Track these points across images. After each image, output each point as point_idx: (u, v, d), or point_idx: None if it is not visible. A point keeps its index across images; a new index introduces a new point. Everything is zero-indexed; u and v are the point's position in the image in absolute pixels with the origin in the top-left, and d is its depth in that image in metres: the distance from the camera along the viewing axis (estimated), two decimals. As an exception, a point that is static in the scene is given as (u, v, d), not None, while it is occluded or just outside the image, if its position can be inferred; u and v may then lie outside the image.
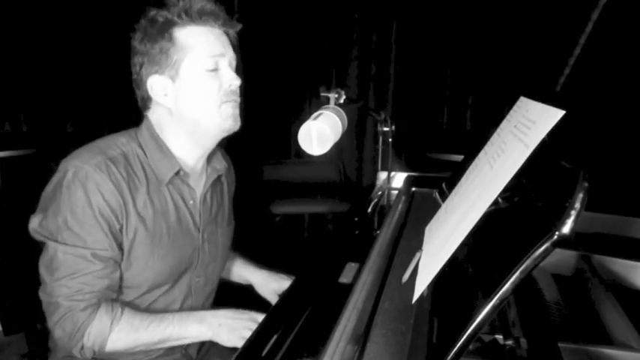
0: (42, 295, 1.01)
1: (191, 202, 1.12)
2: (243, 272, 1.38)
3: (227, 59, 1.05)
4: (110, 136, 1.07)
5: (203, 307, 1.20)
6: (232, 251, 1.40)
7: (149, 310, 1.09)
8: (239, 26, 1.08)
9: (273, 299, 1.31)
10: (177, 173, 1.07)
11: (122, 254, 1.02)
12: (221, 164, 1.19)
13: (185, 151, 1.09)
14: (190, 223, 1.12)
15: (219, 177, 1.20)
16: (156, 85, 1.03)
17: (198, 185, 1.14)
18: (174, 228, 1.08)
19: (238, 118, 1.08)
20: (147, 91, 1.04)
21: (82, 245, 0.97)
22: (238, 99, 1.07)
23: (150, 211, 1.04)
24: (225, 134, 1.09)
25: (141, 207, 1.02)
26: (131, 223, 1.01)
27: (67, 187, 0.97)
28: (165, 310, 1.11)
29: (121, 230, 1.01)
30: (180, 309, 1.14)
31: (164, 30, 1.00)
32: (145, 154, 1.06)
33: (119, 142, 1.05)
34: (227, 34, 1.07)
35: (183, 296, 1.15)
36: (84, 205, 0.96)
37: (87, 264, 0.97)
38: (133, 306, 1.07)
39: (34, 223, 1.02)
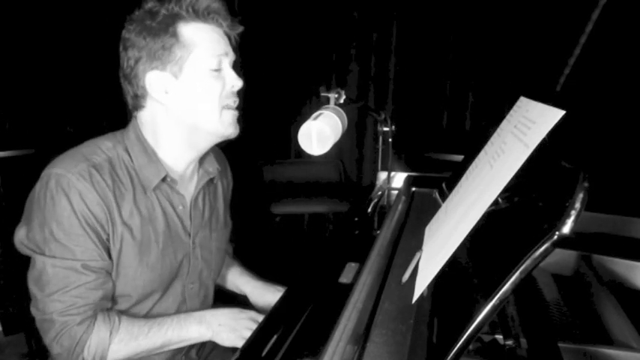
0: (34, 311, 0.97)
1: (180, 207, 1.08)
2: (239, 282, 1.34)
3: (229, 59, 1.03)
4: (95, 140, 1.02)
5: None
6: (233, 258, 1.38)
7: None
8: (241, 28, 1.05)
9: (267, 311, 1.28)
10: (163, 179, 1.03)
11: (112, 264, 0.99)
12: (213, 166, 1.15)
13: (176, 154, 1.04)
14: (180, 229, 1.08)
15: (211, 179, 1.16)
16: (156, 81, 0.97)
17: (188, 189, 1.10)
18: (163, 235, 1.04)
19: (238, 126, 1.05)
20: (143, 88, 0.99)
21: (72, 257, 0.94)
22: (238, 100, 1.05)
23: (137, 219, 1.00)
24: (221, 139, 1.06)
25: (127, 216, 0.99)
26: (117, 233, 0.97)
27: (50, 197, 0.93)
28: None
29: (108, 240, 0.97)
30: None
31: (168, 24, 0.96)
32: (131, 158, 1.01)
33: (104, 147, 1.00)
34: (229, 36, 1.05)
35: (177, 304, 1.11)
36: (69, 215, 0.93)
37: (78, 276, 0.94)
38: (130, 316, 1.04)
39: (20, 236, 0.99)
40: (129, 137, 1.03)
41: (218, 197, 1.22)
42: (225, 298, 1.30)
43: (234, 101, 1.04)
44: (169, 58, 0.97)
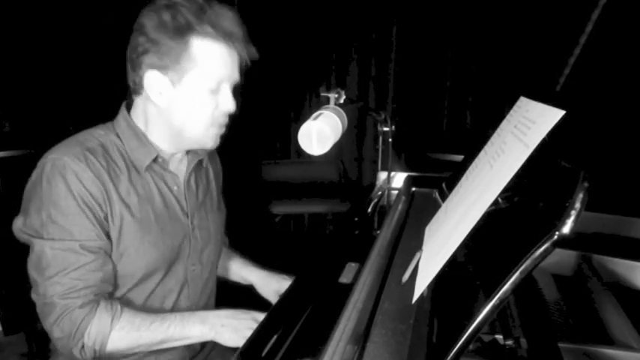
0: (35, 296, 0.99)
1: (175, 187, 1.11)
2: (243, 272, 1.38)
3: (231, 82, 1.04)
4: (87, 130, 1.06)
5: (202, 300, 1.20)
6: (232, 250, 1.40)
7: (147, 302, 1.08)
8: (255, 56, 1.05)
9: (273, 299, 1.30)
10: (155, 160, 1.06)
11: (111, 245, 1.00)
12: (201, 149, 1.17)
13: (164, 144, 1.08)
14: (178, 209, 1.11)
15: (200, 162, 1.19)
16: (154, 81, 1.00)
17: (180, 170, 1.14)
18: (161, 214, 1.07)
19: (218, 140, 1.09)
20: (141, 80, 1.01)
21: (70, 238, 0.95)
22: (227, 121, 1.08)
23: (134, 197, 1.02)
24: (202, 149, 1.12)
25: (124, 194, 1.01)
26: (115, 211, 1.00)
27: (47, 181, 0.96)
28: (162, 302, 1.11)
29: (106, 219, 0.99)
30: (178, 300, 1.13)
31: (182, 32, 0.96)
32: (123, 142, 1.05)
33: (96, 134, 1.04)
34: (240, 58, 1.04)
35: (179, 286, 1.13)
36: (66, 196, 0.95)
37: (77, 257, 0.95)
38: (131, 300, 1.06)
39: (18, 223, 1.01)
40: (119, 125, 1.07)
41: (210, 180, 1.25)
42: (229, 298, 1.30)
43: (224, 121, 1.07)
44: (173, 65, 0.98)
